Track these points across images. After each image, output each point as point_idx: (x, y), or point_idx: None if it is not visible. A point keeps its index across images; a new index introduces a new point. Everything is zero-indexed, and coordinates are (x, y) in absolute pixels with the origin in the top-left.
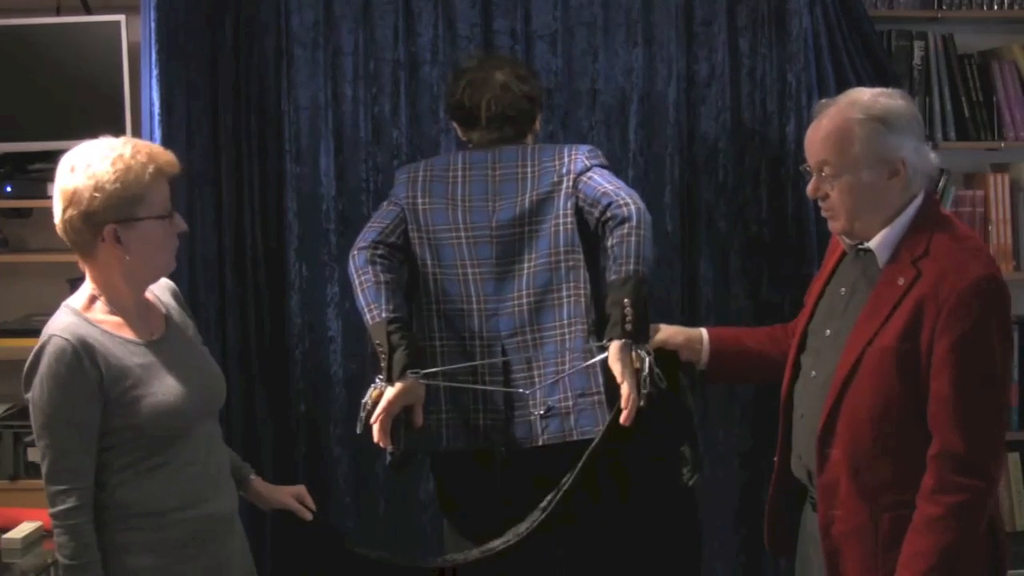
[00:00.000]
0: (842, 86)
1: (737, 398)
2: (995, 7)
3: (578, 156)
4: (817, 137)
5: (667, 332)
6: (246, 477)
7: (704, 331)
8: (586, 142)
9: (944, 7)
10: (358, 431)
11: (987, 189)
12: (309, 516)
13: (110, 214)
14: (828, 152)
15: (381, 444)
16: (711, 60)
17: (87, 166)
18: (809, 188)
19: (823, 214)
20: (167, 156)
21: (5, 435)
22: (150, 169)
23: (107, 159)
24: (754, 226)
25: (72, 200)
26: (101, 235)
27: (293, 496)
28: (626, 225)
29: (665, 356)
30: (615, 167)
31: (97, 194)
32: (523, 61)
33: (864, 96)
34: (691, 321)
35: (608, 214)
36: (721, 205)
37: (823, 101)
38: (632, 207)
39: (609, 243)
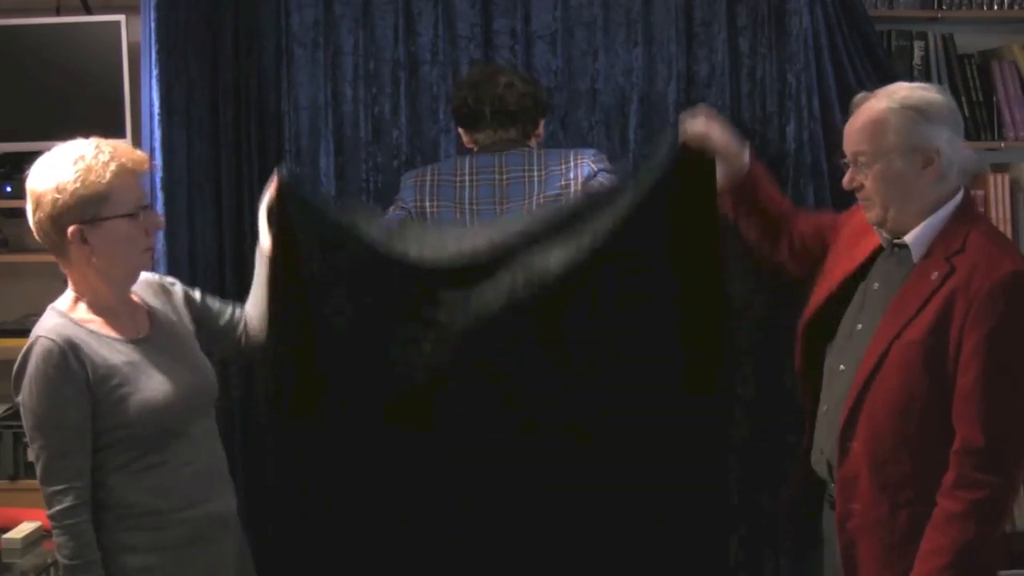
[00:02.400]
0: (842, 86)
1: (737, 398)
2: (995, 7)
3: (584, 160)
4: (854, 128)
5: (716, 129)
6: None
7: (746, 153)
8: (586, 142)
9: (944, 7)
10: None
11: (987, 189)
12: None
13: (73, 215)
14: (864, 141)
15: None
16: (711, 60)
17: (49, 169)
18: (845, 179)
19: (861, 204)
20: (134, 154)
21: (5, 435)
22: (112, 167)
23: (68, 160)
24: None
25: (38, 203)
26: (67, 236)
27: None
28: None
29: (699, 161)
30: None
31: (58, 196)
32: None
33: (902, 88)
34: None
35: None
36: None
37: (862, 94)
38: None
39: None
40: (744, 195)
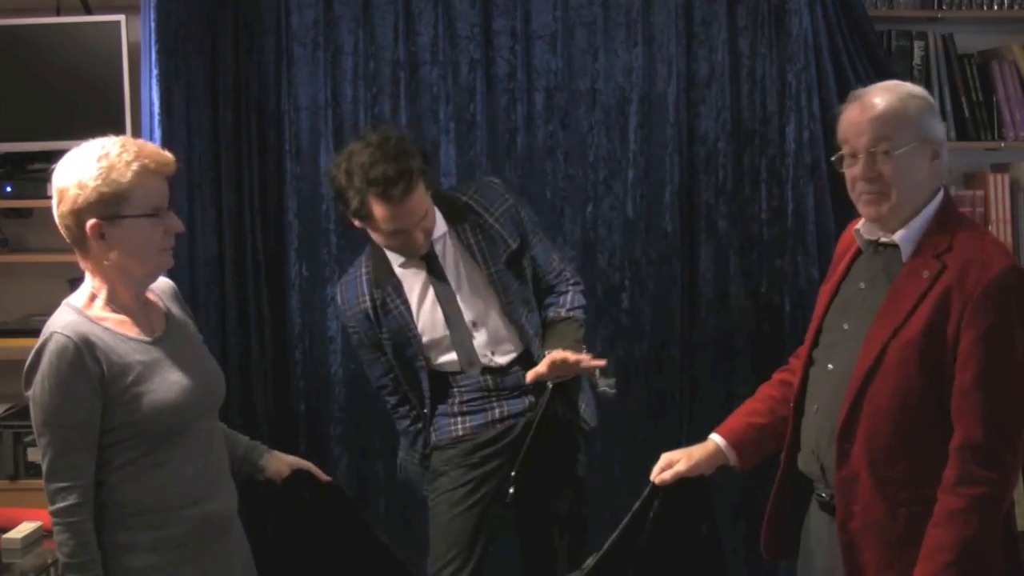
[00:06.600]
0: (842, 86)
1: (736, 397)
2: (995, 7)
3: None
4: (871, 116)
5: (685, 463)
6: (262, 456)
7: (718, 439)
8: (586, 142)
9: (944, 7)
10: None
11: (987, 189)
12: (328, 478)
13: (93, 211)
14: (888, 128)
15: None
16: (711, 60)
17: (74, 164)
18: (858, 169)
19: (865, 198)
20: (159, 156)
21: (5, 435)
22: (134, 167)
23: (92, 157)
24: (754, 226)
25: (61, 197)
26: (87, 231)
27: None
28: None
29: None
30: (615, 167)
31: (79, 191)
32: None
33: (901, 84)
34: (691, 320)
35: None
36: (721, 205)
37: (858, 90)
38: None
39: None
40: (749, 458)
